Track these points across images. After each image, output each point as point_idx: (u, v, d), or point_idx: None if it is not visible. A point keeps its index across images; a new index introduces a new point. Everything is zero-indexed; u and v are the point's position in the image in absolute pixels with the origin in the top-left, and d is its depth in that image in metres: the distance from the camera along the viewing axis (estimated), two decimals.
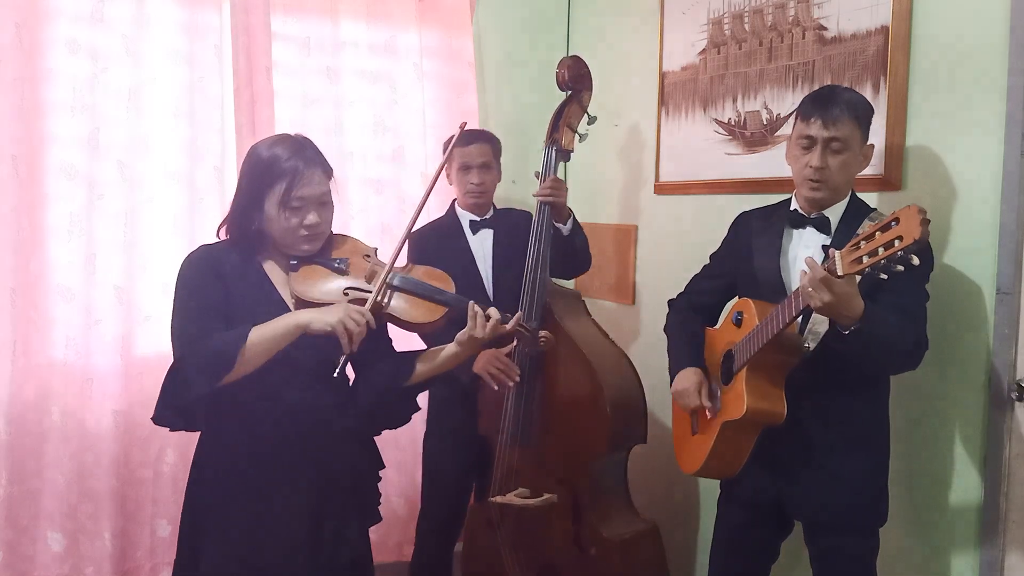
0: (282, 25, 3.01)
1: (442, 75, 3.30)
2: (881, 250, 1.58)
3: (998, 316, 1.97)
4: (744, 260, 2.14)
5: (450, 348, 1.95)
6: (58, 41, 2.68)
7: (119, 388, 2.79)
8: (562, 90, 2.71)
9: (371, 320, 1.79)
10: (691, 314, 2.30)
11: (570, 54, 3.46)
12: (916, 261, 1.56)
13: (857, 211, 2.00)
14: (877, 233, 1.60)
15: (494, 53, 3.43)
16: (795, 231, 2.05)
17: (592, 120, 2.72)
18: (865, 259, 1.62)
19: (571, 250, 2.70)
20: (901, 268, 1.58)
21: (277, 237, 1.87)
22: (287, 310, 1.86)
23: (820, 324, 1.92)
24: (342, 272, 1.91)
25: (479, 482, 2.84)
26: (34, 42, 2.63)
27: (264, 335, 1.75)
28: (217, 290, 1.82)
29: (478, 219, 2.76)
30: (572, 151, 2.69)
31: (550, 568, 2.58)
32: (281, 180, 1.81)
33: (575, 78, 2.67)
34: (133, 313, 2.82)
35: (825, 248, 1.94)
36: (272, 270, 1.90)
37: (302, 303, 1.86)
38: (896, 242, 1.56)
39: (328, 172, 1.90)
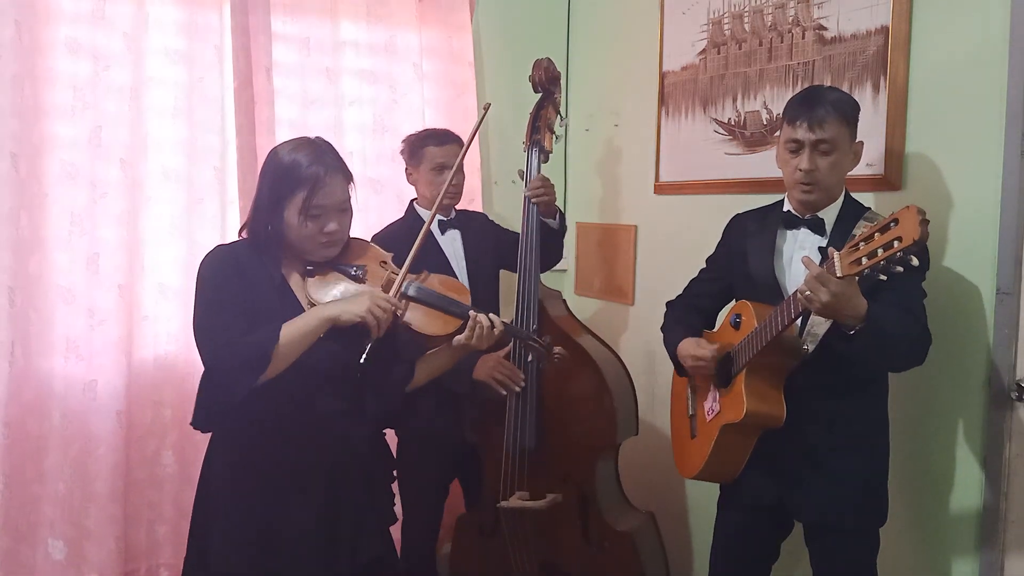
0: (282, 25, 3.01)
1: (442, 75, 3.30)
2: (880, 251, 1.58)
3: (998, 316, 1.97)
4: (739, 262, 2.13)
5: (446, 350, 2.01)
6: (58, 40, 2.68)
7: (122, 389, 2.78)
8: (536, 91, 2.71)
9: (397, 306, 1.83)
10: (689, 314, 2.30)
11: (570, 54, 3.49)
12: (916, 262, 1.56)
13: (852, 211, 1.99)
14: (876, 234, 1.60)
15: (494, 53, 3.43)
16: (789, 232, 2.04)
17: (564, 121, 2.74)
18: (864, 260, 1.61)
19: (557, 243, 2.74)
20: (900, 269, 1.57)
21: (296, 243, 1.86)
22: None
23: (819, 326, 1.91)
24: (359, 280, 1.91)
25: (466, 490, 2.84)
26: (34, 41, 2.63)
27: (295, 332, 1.75)
28: (239, 289, 1.81)
29: (445, 219, 2.71)
30: (551, 151, 2.72)
31: (556, 565, 2.59)
32: (301, 188, 1.80)
33: (551, 80, 2.68)
34: (134, 314, 2.82)
35: (822, 250, 1.94)
36: (290, 274, 1.90)
37: None
38: (895, 243, 1.55)
39: (348, 177, 1.88)
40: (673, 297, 2.39)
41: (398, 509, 2.13)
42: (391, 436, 2.89)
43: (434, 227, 2.67)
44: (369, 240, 2.05)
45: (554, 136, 2.71)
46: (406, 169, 2.76)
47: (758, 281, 2.05)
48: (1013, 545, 1.97)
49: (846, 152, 1.95)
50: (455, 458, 2.71)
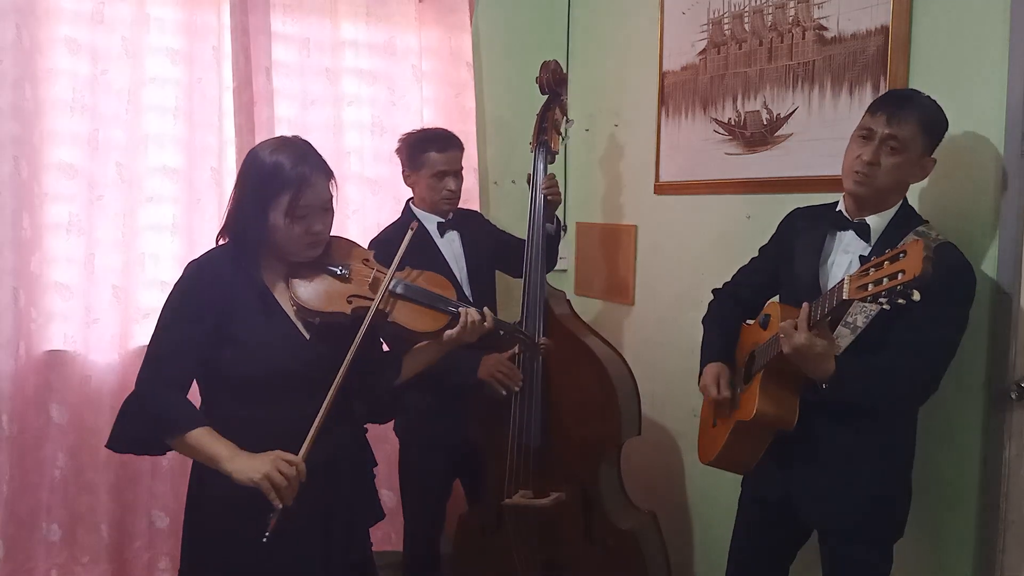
0: (282, 25, 3.01)
1: (441, 75, 3.30)
2: (885, 280, 1.57)
3: (998, 316, 1.97)
4: (787, 259, 2.10)
5: (433, 345, 2.00)
6: (58, 41, 2.69)
7: (117, 384, 2.81)
8: (543, 93, 2.73)
9: (303, 471, 1.69)
10: (732, 306, 2.27)
11: (570, 54, 3.49)
12: (917, 297, 1.54)
13: (905, 222, 1.92)
14: (886, 263, 1.59)
15: (493, 53, 3.43)
16: (837, 233, 2.00)
17: (570, 123, 2.77)
18: (870, 287, 1.60)
19: (554, 248, 2.74)
20: (902, 302, 1.56)
21: (280, 244, 1.83)
22: (288, 321, 1.85)
23: (844, 338, 1.89)
24: (344, 279, 1.90)
25: (468, 488, 2.84)
26: (34, 42, 2.64)
27: (197, 443, 1.72)
28: (207, 317, 1.77)
29: (443, 221, 2.68)
30: (557, 152, 2.73)
31: (559, 563, 2.60)
32: (287, 189, 1.77)
33: (558, 82, 2.70)
34: (130, 311, 2.83)
35: (863, 259, 1.89)
36: (271, 279, 1.87)
37: (304, 311, 1.84)
38: (899, 275, 1.54)
39: (330, 175, 1.87)
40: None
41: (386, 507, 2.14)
42: (391, 437, 2.91)
43: (432, 230, 2.66)
44: (353, 242, 2.03)
45: (560, 137, 2.72)
46: (403, 170, 2.72)
47: (800, 281, 2.02)
48: (1012, 545, 1.97)
49: (914, 161, 1.88)
50: (456, 457, 2.71)
